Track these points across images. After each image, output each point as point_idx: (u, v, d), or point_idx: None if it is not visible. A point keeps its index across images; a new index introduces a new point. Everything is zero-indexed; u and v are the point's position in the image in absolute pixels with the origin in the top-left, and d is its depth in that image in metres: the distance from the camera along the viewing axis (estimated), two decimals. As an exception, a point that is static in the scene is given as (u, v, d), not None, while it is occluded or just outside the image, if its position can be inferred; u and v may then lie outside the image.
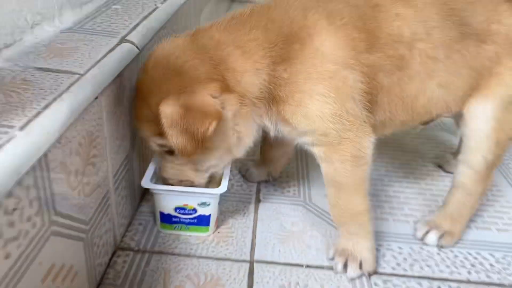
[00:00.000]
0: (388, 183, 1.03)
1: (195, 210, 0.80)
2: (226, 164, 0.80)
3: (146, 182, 0.79)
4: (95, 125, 0.64)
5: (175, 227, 0.82)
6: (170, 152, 0.73)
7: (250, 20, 0.71)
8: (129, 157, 0.81)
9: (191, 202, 0.80)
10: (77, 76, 0.62)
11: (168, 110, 0.64)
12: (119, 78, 0.72)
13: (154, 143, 0.73)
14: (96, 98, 0.63)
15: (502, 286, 0.77)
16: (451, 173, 1.06)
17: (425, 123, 0.85)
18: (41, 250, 0.51)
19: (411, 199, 0.98)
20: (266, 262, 0.78)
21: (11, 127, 0.48)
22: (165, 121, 0.64)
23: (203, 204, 0.80)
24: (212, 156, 0.75)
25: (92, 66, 0.66)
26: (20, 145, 0.46)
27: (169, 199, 0.79)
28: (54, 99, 0.55)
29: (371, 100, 0.73)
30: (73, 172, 0.58)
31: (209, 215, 0.81)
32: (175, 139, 0.65)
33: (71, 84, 0.59)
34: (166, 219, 0.81)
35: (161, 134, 0.67)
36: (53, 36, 0.76)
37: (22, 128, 0.48)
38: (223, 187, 0.78)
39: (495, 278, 0.79)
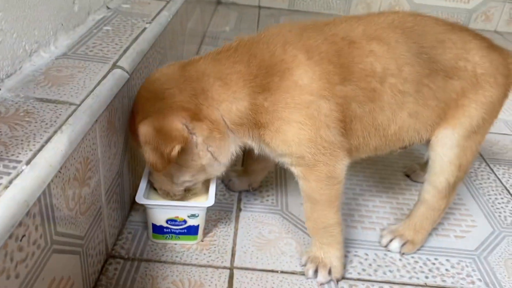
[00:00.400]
0: (359, 192, 1.12)
1: (185, 221, 0.88)
2: (202, 180, 0.88)
3: (139, 198, 0.86)
4: (90, 150, 0.71)
5: (166, 237, 0.90)
6: None
7: (234, 55, 0.78)
8: (120, 172, 0.88)
9: (182, 215, 0.88)
10: (74, 106, 0.69)
11: (144, 129, 0.75)
12: (111, 104, 0.79)
13: (140, 153, 0.82)
14: (92, 126, 0.70)
15: (454, 289, 0.87)
16: (418, 182, 1.16)
17: (403, 147, 0.93)
18: (44, 267, 0.59)
19: (379, 208, 1.07)
20: (245, 268, 0.86)
21: (18, 161, 0.55)
22: (141, 138, 0.76)
23: (193, 216, 0.88)
24: (186, 173, 0.84)
25: (87, 96, 0.73)
26: (27, 179, 0.53)
27: (162, 212, 0.87)
28: (55, 132, 0.62)
29: (345, 127, 0.79)
30: (71, 195, 0.65)
31: (198, 225, 0.89)
32: (148, 155, 0.76)
33: (69, 116, 0.66)
34: (158, 230, 0.89)
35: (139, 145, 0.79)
36: (50, 62, 0.82)
37: (28, 162, 0.55)
38: (211, 200, 0.86)
39: (449, 282, 0.88)
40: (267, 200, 1.06)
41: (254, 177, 1.07)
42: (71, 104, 0.70)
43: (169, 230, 0.89)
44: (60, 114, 0.66)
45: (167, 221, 0.88)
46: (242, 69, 0.77)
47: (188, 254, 0.88)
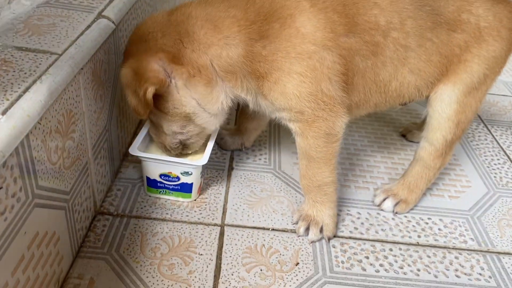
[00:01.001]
0: (354, 151, 1.10)
1: (178, 178, 0.87)
2: (197, 134, 0.85)
3: (133, 149, 0.85)
4: (73, 103, 0.68)
5: (160, 191, 0.89)
6: None
7: (229, 0, 0.75)
8: (107, 127, 0.85)
9: (175, 171, 0.86)
10: (55, 56, 0.66)
11: (123, 71, 0.74)
12: (95, 55, 0.75)
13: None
14: (75, 77, 0.67)
15: (447, 248, 0.86)
16: (414, 142, 1.14)
17: (403, 104, 0.90)
18: (26, 221, 0.57)
19: (373, 167, 1.06)
20: (236, 225, 0.85)
21: (-6, 111, 0.52)
22: (122, 81, 0.75)
23: (186, 173, 0.86)
24: (172, 123, 0.81)
25: (70, 45, 0.69)
26: (3, 130, 0.50)
27: (155, 166, 0.85)
28: (34, 82, 0.59)
29: (347, 81, 0.77)
30: (53, 148, 0.63)
31: (191, 183, 0.87)
32: (129, 98, 0.76)
33: (50, 66, 0.63)
34: (152, 184, 0.88)
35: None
36: (30, 11, 0.78)
37: (4, 112, 0.53)
38: (204, 159, 0.84)
39: (441, 242, 0.88)
40: (260, 159, 1.04)
41: (247, 136, 1.04)
42: (52, 53, 0.66)
43: (163, 185, 0.88)
44: (40, 64, 0.63)
45: (160, 176, 0.87)
46: (237, 14, 0.73)
47: (179, 211, 0.87)
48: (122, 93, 0.92)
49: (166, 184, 0.88)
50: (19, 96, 0.56)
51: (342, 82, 0.77)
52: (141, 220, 0.84)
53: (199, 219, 0.86)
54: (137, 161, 0.98)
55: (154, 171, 0.86)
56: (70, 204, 0.71)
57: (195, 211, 0.87)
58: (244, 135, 1.04)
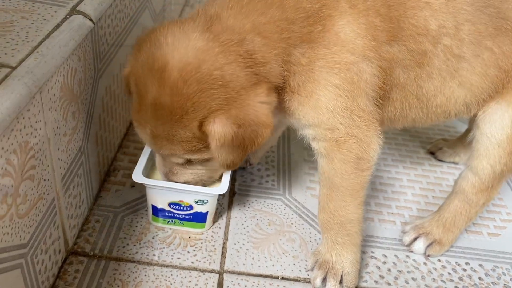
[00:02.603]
0: (376, 174, 0.94)
1: (191, 207, 0.73)
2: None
3: (137, 176, 0.70)
4: (31, 132, 0.52)
5: (168, 222, 0.75)
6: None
7: None
8: (83, 149, 0.69)
9: (188, 199, 0.72)
10: (6, 70, 0.49)
11: (220, 130, 0.56)
12: (66, 63, 0.59)
13: (182, 158, 0.64)
14: (33, 97, 0.51)
15: (490, 305, 0.72)
16: (445, 162, 0.99)
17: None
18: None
19: (399, 194, 0.90)
20: (238, 273, 0.70)
21: None
22: (215, 142, 0.57)
23: (201, 202, 0.71)
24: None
25: (29, 54, 0.53)
26: None
27: (164, 194, 0.71)
28: (-30, 112, 0.43)
29: (384, 96, 0.65)
30: (1, 199, 0.47)
31: (206, 212, 0.73)
32: (224, 157, 0.59)
33: (-3, 85, 0.47)
34: (159, 213, 0.74)
35: (196, 150, 0.60)
36: (-16, 3, 0.61)
37: None
38: (223, 186, 0.70)
39: (483, 295, 0.73)
40: (267, 181, 0.88)
41: (252, 152, 0.89)
42: (2, 66, 0.50)
43: (172, 214, 0.74)
44: (-17, 83, 0.47)
45: (170, 205, 0.72)
46: (276, 14, 0.58)
47: (169, 251, 0.72)
48: (104, 102, 0.76)
49: (176, 213, 0.73)
50: None
51: (379, 98, 0.64)
52: (122, 264, 0.69)
53: (193, 262, 0.71)
54: (121, 183, 0.82)
55: (162, 199, 0.72)
56: (29, 257, 0.56)
57: (188, 252, 0.72)
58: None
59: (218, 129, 0.56)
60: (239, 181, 0.88)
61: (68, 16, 0.62)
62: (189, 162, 0.65)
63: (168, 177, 0.69)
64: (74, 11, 0.64)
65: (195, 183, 0.70)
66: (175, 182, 0.69)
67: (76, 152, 0.67)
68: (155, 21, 1.06)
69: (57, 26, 0.59)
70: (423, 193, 0.91)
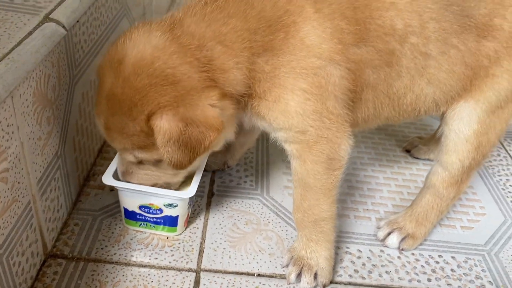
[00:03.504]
0: (352, 172, 0.97)
1: (161, 210, 0.74)
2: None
3: (107, 178, 0.71)
4: (3, 135, 0.53)
5: (140, 225, 0.76)
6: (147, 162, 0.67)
7: (227, 6, 0.61)
8: (59, 153, 0.71)
9: (157, 202, 0.73)
10: (-24, 76, 0.51)
11: (166, 126, 0.57)
12: (38, 69, 0.60)
13: (133, 155, 0.65)
14: (4, 102, 0.52)
15: (462, 295, 0.74)
16: (420, 159, 1.02)
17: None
18: None
19: (375, 191, 0.93)
20: (214, 271, 0.72)
21: None
22: (161, 138, 0.57)
23: (170, 205, 0.73)
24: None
25: (0, 60, 0.54)
26: None
27: (134, 197, 0.72)
28: None
29: (354, 98, 0.67)
30: (-28, 199, 0.48)
31: (177, 216, 0.74)
32: (170, 154, 0.59)
33: (-34, 90, 0.48)
34: (131, 216, 0.75)
35: (144, 146, 0.61)
36: (-43, 13, 0.63)
37: None
38: (192, 190, 0.72)
39: (455, 286, 0.75)
40: (245, 182, 0.90)
41: (231, 153, 0.91)
42: (-27, 72, 0.52)
43: (143, 217, 0.75)
44: (-47, 88, 0.48)
45: (140, 207, 0.74)
46: (238, 24, 0.60)
47: (147, 252, 0.73)
48: (81, 108, 0.77)
49: (147, 216, 0.74)
50: None
51: (349, 100, 0.66)
52: (101, 265, 0.70)
53: (170, 262, 0.72)
54: (100, 187, 0.83)
55: (132, 202, 0.73)
56: (5, 258, 0.57)
57: (166, 252, 0.74)
58: (228, 152, 0.90)
59: (164, 124, 0.57)
60: (217, 182, 0.89)
61: (40, 24, 0.64)
62: (142, 162, 0.67)
63: (124, 176, 0.70)
64: (47, 19, 0.65)
65: (152, 186, 0.71)
66: (130, 182, 0.70)
67: (53, 156, 0.68)
68: (134, 29, 1.08)
69: (30, 33, 0.61)
70: (398, 190, 0.93)
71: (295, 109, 0.62)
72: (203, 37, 0.59)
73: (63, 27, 0.67)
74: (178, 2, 1.54)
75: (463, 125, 0.73)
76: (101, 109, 0.60)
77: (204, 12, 0.60)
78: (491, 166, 1.04)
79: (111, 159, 0.89)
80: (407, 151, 1.04)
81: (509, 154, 1.09)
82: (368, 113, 0.71)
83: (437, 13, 0.66)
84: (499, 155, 1.08)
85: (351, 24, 0.62)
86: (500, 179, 1.00)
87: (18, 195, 0.59)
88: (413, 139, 1.05)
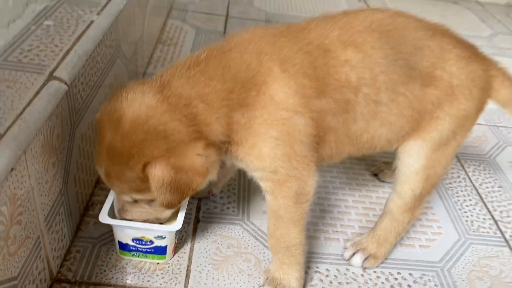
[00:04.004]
0: (324, 196, 1.08)
1: (151, 242, 0.84)
2: None
3: (103, 217, 0.81)
4: (18, 185, 0.64)
5: (133, 254, 0.86)
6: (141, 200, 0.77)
7: (207, 70, 0.71)
8: (63, 191, 0.81)
9: (148, 235, 0.83)
10: (-4, 138, 0.61)
11: (159, 174, 0.67)
12: (46, 124, 0.71)
13: (129, 196, 0.75)
14: (19, 158, 0.63)
15: (415, 308, 0.85)
16: (386, 182, 1.13)
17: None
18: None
19: (344, 214, 1.03)
20: (200, 291, 0.83)
21: None
22: (154, 184, 0.67)
23: (160, 237, 0.83)
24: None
25: (13, 122, 0.65)
26: None
27: (127, 231, 0.82)
28: (-31, 177, 0.55)
29: (319, 140, 0.77)
30: (-5, 243, 0.59)
31: (166, 246, 0.85)
32: (163, 197, 0.69)
33: (-11, 152, 0.59)
34: (125, 247, 0.85)
35: (140, 190, 0.71)
36: (-26, 75, 0.73)
37: None
38: (178, 224, 0.82)
39: (410, 300, 0.86)
40: (228, 208, 1.01)
41: (215, 183, 1.01)
42: (-7, 134, 0.62)
43: (136, 248, 0.85)
44: (-22, 151, 0.59)
45: (133, 240, 0.84)
46: (218, 85, 0.70)
47: (140, 275, 0.84)
48: (80, 148, 0.88)
49: (139, 247, 0.85)
50: (-49, 200, 0.52)
51: (314, 142, 0.76)
52: (100, 288, 0.81)
53: (161, 284, 0.83)
54: (98, 217, 0.93)
55: (126, 236, 0.83)
56: (20, 287, 0.67)
57: (157, 275, 0.84)
58: (212, 182, 1.01)
59: (158, 172, 0.67)
60: (203, 209, 1.00)
61: (46, 83, 0.74)
62: (136, 202, 0.77)
63: (120, 213, 0.80)
64: (51, 77, 0.76)
65: (143, 221, 0.81)
66: (125, 218, 0.80)
67: (57, 195, 0.79)
68: (127, 67, 1.19)
69: (37, 93, 0.71)
70: (365, 212, 1.05)
71: (268, 153, 0.73)
72: (189, 97, 0.69)
73: (65, 83, 0.77)
74: (164, 39, 1.64)
75: (412, 160, 0.84)
76: (102, 160, 0.71)
77: (188, 75, 0.71)
78: (450, 187, 1.15)
79: (107, 189, 1.00)
80: (375, 175, 1.15)
81: (468, 175, 1.21)
82: (332, 151, 0.81)
83: (386, 67, 0.76)
84: (458, 177, 1.19)
85: (312, 81, 0.73)
86: (458, 200, 1.12)
87: (30, 233, 0.69)
88: (380, 164, 1.16)
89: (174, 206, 0.72)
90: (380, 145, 0.84)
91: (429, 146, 0.82)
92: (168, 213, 0.81)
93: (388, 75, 0.77)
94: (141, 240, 0.83)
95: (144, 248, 0.85)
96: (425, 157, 0.83)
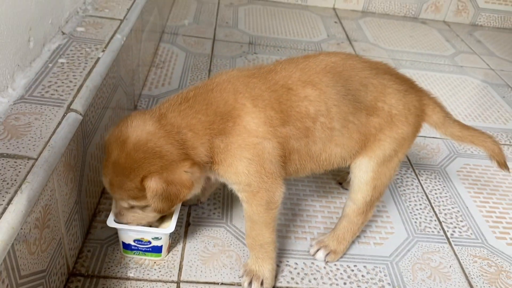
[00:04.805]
0: (296, 202, 1.27)
1: (149, 242, 1.02)
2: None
3: (110, 222, 0.99)
4: (48, 198, 0.82)
5: (134, 253, 1.04)
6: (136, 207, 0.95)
7: (194, 105, 0.90)
8: (77, 201, 0.99)
9: (147, 237, 1.01)
10: (32, 161, 0.80)
11: (154, 185, 0.85)
12: (67, 149, 0.89)
13: (127, 203, 0.93)
14: (49, 177, 0.81)
15: (367, 293, 1.04)
16: (347, 190, 1.32)
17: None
18: (12, 307, 0.71)
19: (311, 217, 1.23)
20: (190, 281, 1.01)
21: (-15, 227, 0.66)
22: (150, 193, 0.86)
23: (156, 238, 1.01)
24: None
25: (44, 148, 0.83)
26: (-7, 245, 0.65)
27: (130, 233, 1.00)
28: (15, 192, 0.73)
29: (285, 159, 0.95)
30: (32, 242, 0.77)
31: (161, 246, 1.03)
32: (156, 204, 0.87)
33: (28, 173, 0.77)
34: (127, 247, 1.03)
35: (137, 198, 0.89)
36: (8, 109, 0.91)
37: (-7, 227, 0.67)
38: (172, 227, 1.00)
39: (363, 287, 1.05)
40: (214, 213, 1.19)
41: (203, 192, 1.20)
42: (29, 158, 0.80)
43: (136, 248, 1.03)
44: (19, 172, 0.77)
45: (134, 241, 1.02)
46: (202, 118, 0.89)
47: (141, 270, 1.02)
48: (90, 164, 1.06)
49: (139, 247, 1.03)
50: (4, 209, 0.70)
51: (281, 162, 0.94)
52: (108, 280, 0.99)
53: (158, 277, 1.01)
54: (104, 222, 1.12)
55: (128, 237, 1.01)
56: (47, 278, 0.85)
57: (154, 269, 1.02)
58: (201, 192, 1.20)
59: (153, 184, 0.85)
60: (193, 214, 1.18)
61: (65, 114, 0.93)
62: (132, 208, 0.95)
63: (117, 217, 0.98)
64: (69, 109, 0.94)
65: (136, 225, 0.99)
66: (121, 221, 0.98)
67: (73, 204, 0.97)
68: (126, 91, 1.37)
69: (59, 123, 0.90)
70: (329, 216, 1.24)
71: (242, 170, 0.91)
72: (180, 127, 0.88)
73: (80, 114, 0.96)
74: (157, 62, 1.83)
75: (362, 173, 1.03)
76: (108, 172, 0.89)
77: (180, 109, 0.90)
78: (404, 193, 1.35)
79: (111, 199, 1.18)
80: (339, 183, 1.35)
81: (420, 183, 1.40)
82: (296, 168, 0.99)
83: (338, 101, 0.95)
84: (412, 185, 1.39)
85: (278, 113, 0.91)
86: (410, 204, 1.32)
87: (55, 235, 0.87)
88: (344, 174, 1.36)
89: (164, 212, 0.91)
90: (337, 162, 1.03)
91: (375, 161, 1.02)
92: (156, 217, 0.99)
93: (340, 107, 0.96)
94: (141, 241, 1.01)
95: (143, 248, 1.03)
96: (372, 170, 1.03)
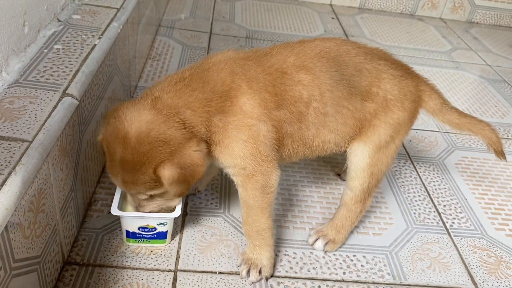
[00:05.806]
0: (294, 193, 1.25)
1: (155, 229, 1.00)
2: None
3: (114, 210, 0.97)
4: (43, 182, 0.80)
5: (138, 241, 1.02)
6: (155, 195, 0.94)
7: (191, 84, 0.89)
8: (72, 188, 0.98)
9: (152, 223, 0.99)
10: (26, 144, 0.78)
11: (168, 173, 0.83)
12: (62, 133, 0.87)
13: (145, 195, 0.91)
14: (44, 160, 0.79)
15: (366, 283, 1.03)
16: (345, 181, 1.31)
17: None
18: (6, 291, 0.69)
19: (310, 207, 1.21)
20: (187, 270, 0.99)
21: (-22, 207, 0.64)
22: (166, 181, 0.84)
23: (162, 224, 0.99)
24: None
25: (39, 131, 0.81)
26: (-13, 225, 0.63)
27: (134, 221, 0.99)
28: (9, 174, 0.71)
29: (279, 143, 0.94)
30: (27, 225, 0.75)
31: (166, 231, 1.01)
32: (174, 190, 0.87)
33: (22, 155, 0.75)
34: (131, 235, 1.01)
35: (154, 187, 0.88)
36: (2, 92, 0.89)
37: (-14, 208, 0.65)
38: (178, 211, 0.99)
39: (362, 277, 1.04)
40: (211, 203, 1.18)
41: (200, 181, 1.18)
42: (24, 141, 0.78)
43: (141, 235, 1.01)
44: (13, 154, 0.75)
45: (139, 228, 1.00)
46: (199, 95, 0.88)
47: (137, 258, 1.00)
48: (86, 152, 1.04)
49: (144, 234, 1.01)
50: (-2, 190, 0.68)
51: (275, 145, 0.93)
52: (104, 269, 0.97)
53: (155, 265, 0.99)
54: (100, 210, 1.10)
55: (133, 225, 0.99)
56: (41, 264, 0.83)
57: (151, 258, 1.01)
58: (198, 181, 1.18)
59: (167, 172, 0.84)
60: (190, 204, 1.17)
61: (61, 99, 0.91)
62: (151, 197, 0.94)
63: (138, 210, 0.96)
64: (64, 94, 0.92)
65: (158, 211, 0.98)
66: (144, 212, 0.96)
67: (68, 191, 0.95)
68: (123, 81, 1.36)
69: (54, 107, 0.88)
70: (328, 206, 1.23)
71: (238, 153, 0.89)
72: (177, 106, 0.86)
73: (76, 99, 0.94)
74: (153, 55, 1.81)
75: (358, 159, 1.02)
76: (117, 172, 0.87)
77: (176, 89, 0.88)
78: (403, 185, 1.34)
79: (107, 188, 1.17)
80: (338, 175, 1.34)
81: (419, 175, 1.40)
82: (290, 152, 0.98)
83: (332, 86, 0.94)
84: (411, 176, 1.39)
85: (272, 96, 0.90)
86: (409, 196, 1.31)
87: (49, 220, 0.85)
88: (342, 165, 1.34)
89: (184, 194, 0.90)
90: (330, 148, 1.01)
91: (371, 147, 1.01)
92: (177, 200, 0.98)
93: (333, 92, 0.95)
94: (146, 228, 0.99)
95: (148, 235, 1.01)
96: (368, 156, 1.02)
